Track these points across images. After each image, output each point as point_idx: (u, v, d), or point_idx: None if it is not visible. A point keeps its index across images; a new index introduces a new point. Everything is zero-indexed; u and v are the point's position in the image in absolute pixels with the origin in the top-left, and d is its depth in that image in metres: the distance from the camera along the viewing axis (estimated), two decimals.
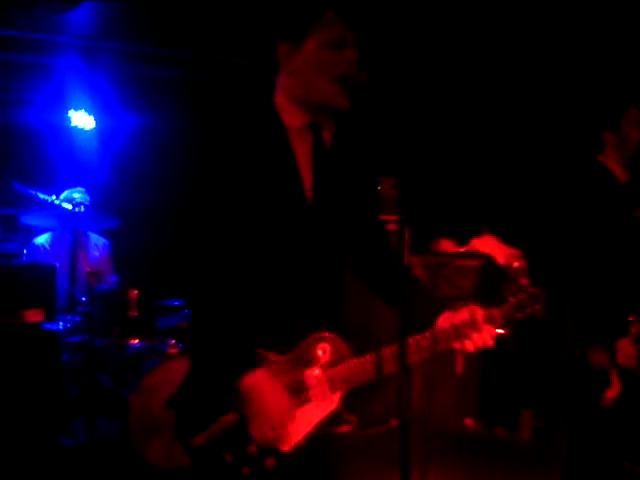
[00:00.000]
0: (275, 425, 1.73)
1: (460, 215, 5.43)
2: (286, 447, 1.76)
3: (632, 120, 2.94)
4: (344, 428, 1.83)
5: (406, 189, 1.83)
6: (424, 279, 4.93)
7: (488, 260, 5.01)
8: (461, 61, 5.13)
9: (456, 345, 1.86)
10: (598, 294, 2.83)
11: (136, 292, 4.05)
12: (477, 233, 5.32)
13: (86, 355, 3.86)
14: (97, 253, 4.69)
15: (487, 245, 5.17)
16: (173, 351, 3.90)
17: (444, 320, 1.87)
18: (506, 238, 5.13)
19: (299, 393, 1.79)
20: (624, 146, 2.96)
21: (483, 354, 4.91)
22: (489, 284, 4.88)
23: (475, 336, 1.84)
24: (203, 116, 1.87)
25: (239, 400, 1.73)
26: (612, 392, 2.75)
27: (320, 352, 1.82)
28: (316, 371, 1.80)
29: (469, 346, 1.85)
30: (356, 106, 1.85)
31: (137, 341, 4.04)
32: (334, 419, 1.81)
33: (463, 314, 1.85)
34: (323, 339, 1.83)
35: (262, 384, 1.73)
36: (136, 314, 4.04)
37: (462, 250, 5.31)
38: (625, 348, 2.78)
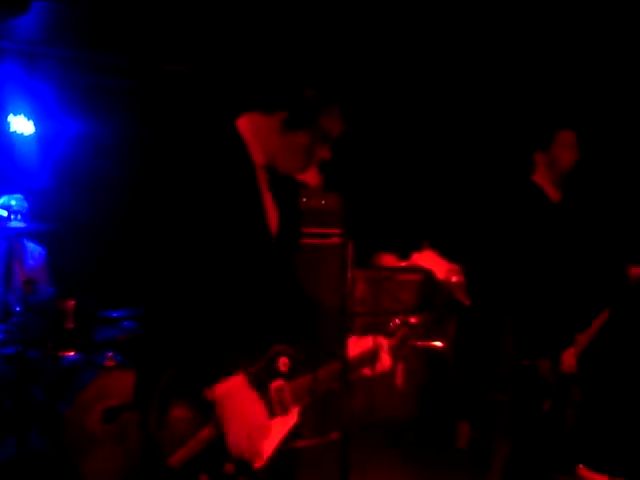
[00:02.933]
0: (252, 435, 1.68)
1: (401, 230, 5.51)
2: (259, 463, 1.73)
3: (562, 142, 3.06)
4: (301, 442, 1.84)
5: (349, 204, 1.86)
6: (367, 293, 4.98)
7: (428, 275, 5.10)
8: (401, 78, 5.24)
9: (361, 372, 1.95)
10: (537, 308, 2.92)
11: (73, 303, 3.96)
12: (418, 248, 5.42)
13: (19, 367, 3.74)
14: (32, 262, 4.57)
15: (427, 260, 5.27)
16: (110, 364, 3.82)
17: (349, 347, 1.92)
18: (446, 253, 5.24)
19: (267, 406, 1.77)
20: (555, 166, 3.07)
21: (422, 367, 4.99)
22: (429, 298, 4.96)
23: (376, 363, 1.95)
24: (169, 136, 1.84)
25: (212, 410, 1.68)
26: (548, 405, 2.84)
27: (282, 365, 1.83)
28: (280, 384, 1.81)
29: (369, 372, 1.96)
30: None
31: (73, 353, 3.94)
32: (293, 433, 1.82)
33: (367, 343, 1.96)
34: (284, 353, 1.84)
35: (238, 391, 1.69)
36: (72, 325, 3.94)
37: (403, 264, 5.39)
38: (570, 358, 2.88)
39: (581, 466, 3.75)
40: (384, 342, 1.96)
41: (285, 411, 1.80)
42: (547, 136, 3.06)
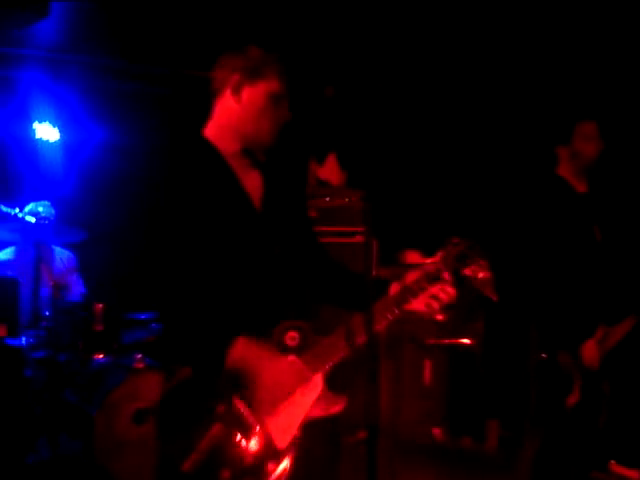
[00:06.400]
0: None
1: (426, 227, 5.49)
2: (283, 444, 1.75)
3: (583, 134, 3.03)
4: (336, 408, 1.83)
5: (373, 201, 1.86)
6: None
7: None
8: (425, 76, 5.22)
9: (425, 302, 1.95)
10: (561, 300, 2.89)
11: (101, 306, 4.00)
12: (443, 244, 5.38)
13: (49, 371, 3.80)
14: (62, 266, 4.63)
15: None
16: (139, 366, 3.85)
17: (395, 288, 1.97)
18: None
19: None
20: (578, 159, 3.04)
21: (450, 365, 4.96)
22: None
23: (434, 289, 1.97)
24: (163, 139, 1.97)
25: (235, 381, 1.73)
26: (572, 399, 2.79)
27: (290, 340, 1.84)
28: (292, 359, 1.82)
29: (435, 304, 1.96)
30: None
31: (102, 356, 3.98)
32: (324, 402, 1.83)
33: (412, 274, 1.99)
34: (291, 327, 1.85)
35: (250, 346, 1.76)
36: (101, 328, 3.98)
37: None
38: (590, 350, 2.84)
39: (613, 462, 3.70)
40: (429, 267, 1.98)
41: (306, 380, 1.81)
42: (567, 129, 3.04)
